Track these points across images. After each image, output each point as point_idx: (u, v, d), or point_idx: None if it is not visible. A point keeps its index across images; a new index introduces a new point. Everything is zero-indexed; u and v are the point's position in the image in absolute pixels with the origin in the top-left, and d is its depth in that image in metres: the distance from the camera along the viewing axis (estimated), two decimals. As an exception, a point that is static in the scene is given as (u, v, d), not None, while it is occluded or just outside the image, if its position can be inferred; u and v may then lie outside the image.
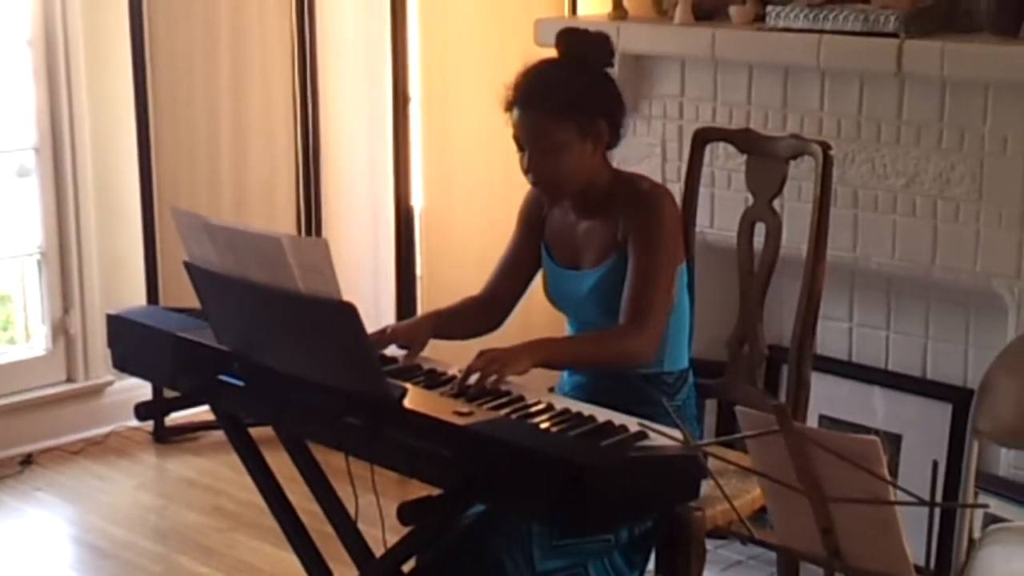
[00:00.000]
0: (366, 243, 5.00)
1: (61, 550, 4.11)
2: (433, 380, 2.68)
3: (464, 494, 2.38)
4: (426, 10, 4.46)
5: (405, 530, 2.49)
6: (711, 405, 3.87)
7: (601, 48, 2.87)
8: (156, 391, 4.33)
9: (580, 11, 4.54)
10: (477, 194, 4.55)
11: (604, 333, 2.84)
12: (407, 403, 2.48)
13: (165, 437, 4.78)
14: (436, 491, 2.38)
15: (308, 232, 4.93)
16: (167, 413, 4.49)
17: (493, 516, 2.60)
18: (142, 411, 2.98)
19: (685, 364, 2.95)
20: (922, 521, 1.99)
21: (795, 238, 3.21)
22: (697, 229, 3.33)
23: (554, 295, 2.99)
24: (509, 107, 2.83)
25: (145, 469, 4.62)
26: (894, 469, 3.75)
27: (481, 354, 2.66)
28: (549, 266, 2.99)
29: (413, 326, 2.97)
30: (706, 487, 2.39)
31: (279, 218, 4.84)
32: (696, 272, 3.08)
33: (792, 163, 3.08)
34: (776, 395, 3.59)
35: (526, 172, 2.83)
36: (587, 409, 2.51)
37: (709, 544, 2.76)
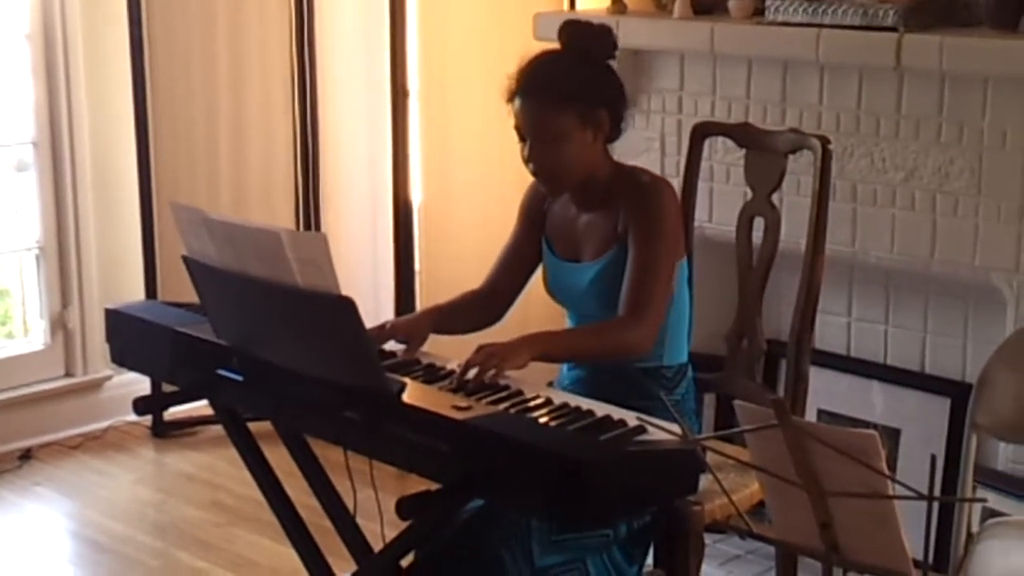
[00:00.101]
0: (365, 238, 4.99)
1: (60, 545, 4.11)
2: (432, 375, 2.68)
3: (463, 489, 2.38)
4: (425, 5, 4.46)
5: (404, 525, 2.49)
6: (710, 399, 3.87)
7: (603, 40, 2.88)
8: (155, 386, 4.34)
9: (579, 5, 4.53)
10: (476, 189, 4.55)
11: (602, 325, 2.84)
12: (406, 398, 2.48)
13: (164, 432, 4.79)
14: (435, 486, 2.38)
15: (307, 227, 4.92)
16: (166, 408, 4.51)
17: (492, 511, 2.60)
18: (141, 406, 2.98)
19: (684, 358, 2.95)
20: (920, 515, 1.99)
21: (794, 232, 3.21)
22: (696, 223, 3.33)
23: (554, 288, 2.99)
24: (511, 97, 2.83)
25: (144, 464, 4.62)
26: (892, 463, 3.76)
27: (480, 348, 2.66)
28: (549, 259, 2.99)
29: (413, 321, 2.97)
30: (704, 481, 2.39)
31: (278, 212, 4.84)
32: (695, 266, 3.08)
33: (791, 157, 3.08)
34: (775, 389, 3.59)
35: (527, 162, 2.83)
36: (586, 403, 2.51)
37: (708, 538, 2.76)
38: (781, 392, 3.27)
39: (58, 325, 4.83)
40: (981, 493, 3.26)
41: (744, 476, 2.73)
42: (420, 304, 4.52)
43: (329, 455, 2.77)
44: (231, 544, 4.00)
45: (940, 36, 3.44)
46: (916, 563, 2.03)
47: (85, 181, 4.78)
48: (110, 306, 3.08)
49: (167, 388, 2.95)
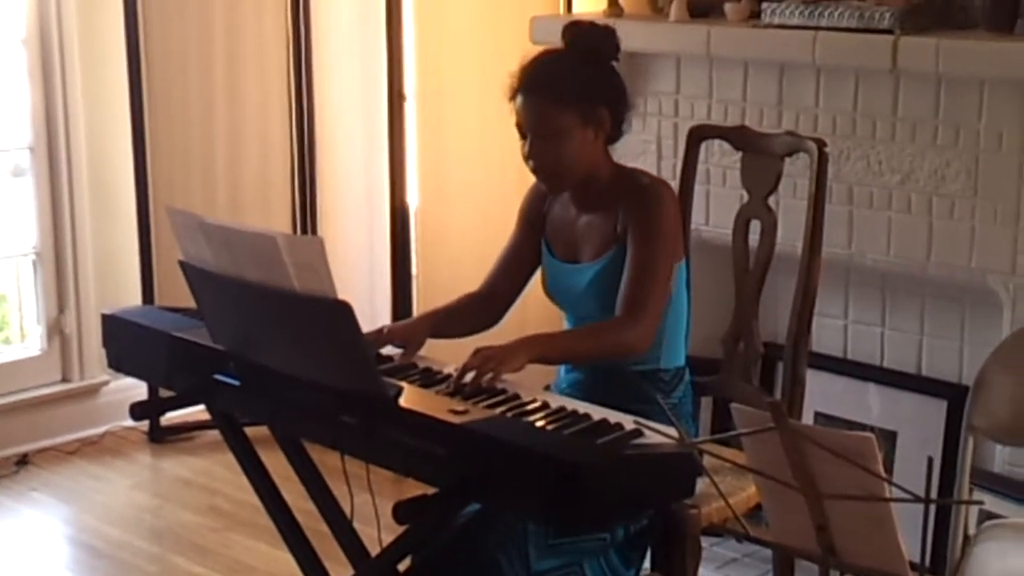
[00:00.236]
0: (361, 241, 5.00)
1: (57, 550, 4.11)
2: (429, 378, 2.68)
3: (460, 493, 2.38)
4: (421, 8, 4.46)
5: (400, 529, 2.49)
6: (706, 403, 3.86)
7: (607, 40, 2.89)
8: (151, 391, 4.33)
9: (575, 8, 4.54)
10: (472, 192, 4.55)
11: (599, 325, 2.84)
12: (403, 402, 2.48)
13: (160, 437, 4.78)
14: (432, 490, 2.38)
15: (303, 231, 4.92)
16: (162, 413, 4.50)
17: (488, 515, 2.60)
18: (137, 411, 2.98)
19: (682, 362, 2.95)
20: (917, 518, 1.99)
21: (790, 235, 3.21)
22: (692, 226, 3.33)
23: (552, 290, 2.99)
24: (513, 95, 2.83)
25: (140, 469, 4.62)
26: (889, 466, 3.76)
27: (476, 352, 2.66)
28: (548, 261, 2.99)
29: (410, 326, 2.97)
30: (701, 485, 2.39)
31: (274, 217, 4.84)
32: (691, 269, 3.08)
33: (787, 160, 3.08)
34: (771, 392, 3.59)
35: (527, 159, 2.83)
36: (582, 407, 2.51)
37: (705, 542, 2.76)
38: (778, 395, 3.26)
39: (55, 330, 4.83)
40: (978, 495, 3.26)
41: (741, 479, 2.73)
42: (417, 308, 4.52)
43: (326, 459, 2.77)
44: (228, 549, 4.00)
45: (936, 39, 3.44)
46: (913, 565, 2.03)
47: (81, 186, 4.77)
48: (107, 311, 3.08)
49: (164, 393, 2.95)
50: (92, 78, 4.74)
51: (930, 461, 1.98)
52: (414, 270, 4.61)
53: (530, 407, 2.51)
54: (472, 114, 4.47)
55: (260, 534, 3.91)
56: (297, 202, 4.94)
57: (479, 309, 3.03)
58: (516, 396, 2.56)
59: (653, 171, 3.99)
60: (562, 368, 3.01)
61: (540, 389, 2.71)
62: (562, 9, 4.52)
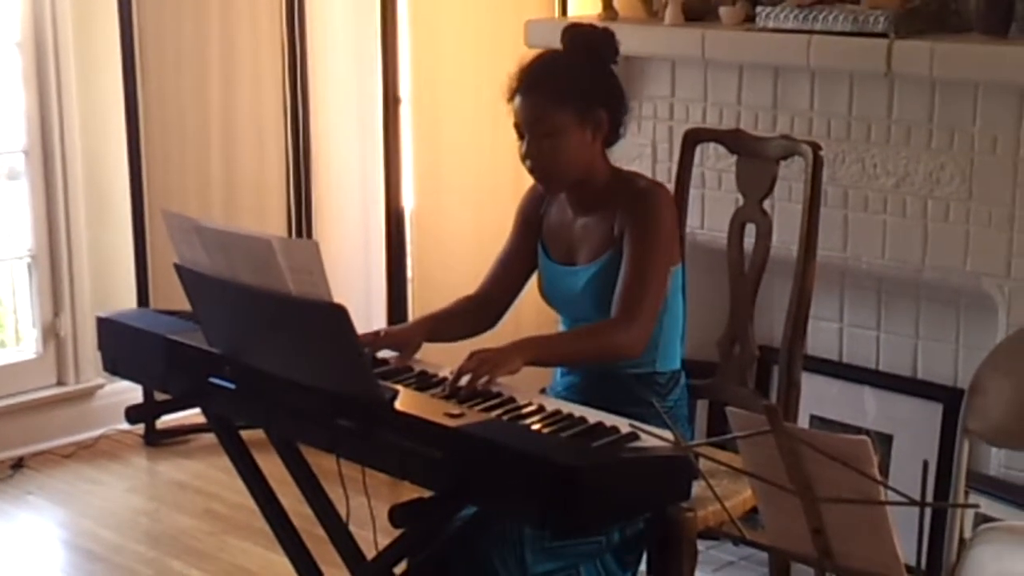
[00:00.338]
0: (357, 245, 5.00)
1: (52, 554, 4.10)
2: (424, 382, 2.68)
3: (455, 496, 2.38)
4: (416, 11, 4.46)
5: (396, 532, 2.49)
6: (702, 406, 3.87)
7: (606, 43, 2.89)
8: (147, 394, 4.33)
9: (570, 12, 4.54)
10: (468, 195, 4.55)
11: (594, 327, 2.84)
12: (398, 405, 2.48)
13: (156, 440, 4.78)
14: (427, 493, 2.38)
15: (299, 234, 4.93)
16: (158, 416, 4.49)
17: (484, 518, 2.60)
18: (133, 414, 2.99)
19: (677, 365, 2.95)
20: (913, 521, 1.99)
21: (785, 238, 3.21)
22: (687, 230, 3.32)
23: (549, 293, 2.99)
24: (511, 96, 2.84)
25: (136, 472, 4.62)
26: (885, 469, 3.76)
27: (472, 355, 2.66)
28: (545, 263, 2.99)
29: (406, 331, 2.97)
30: (697, 488, 2.39)
31: (270, 220, 4.84)
32: (687, 273, 3.08)
33: (782, 163, 3.08)
34: (767, 395, 3.59)
35: (524, 159, 2.84)
36: (578, 410, 2.51)
37: (700, 545, 2.76)
38: (773, 398, 3.27)
39: (50, 333, 4.82)
40: (973, 498, 3.26)
41: (737, 482, 2.73)
42: (412, 310, 4.52)
43: (322, 463, 2.77)
44: (224, 552, 3.99)
45: (931, 42, 3.45)
46: (909, 569, 2.03)
47: (77, 189, 4.77)
48: (102, 314, 3.08)
49: (159, 396, 2.95)
50: (87, 82, 4.74)
51: (925, 464, 1.99)
52: (409, 273, 4.61)
53: (526, 410, 2.51)
54: (467, 117, 4.47)
55: (256, 537, 3.91)
56: (292, 205, 4.94)
57: (475, 312, 3.03)
58: (512, 399, 2.56)
59: (648, 175, 4.01)
60: (558, 371, 3.01)
61: (536, 392, 2.72)
62: (557, 12, 4.53)
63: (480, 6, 4.51)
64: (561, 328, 3.02)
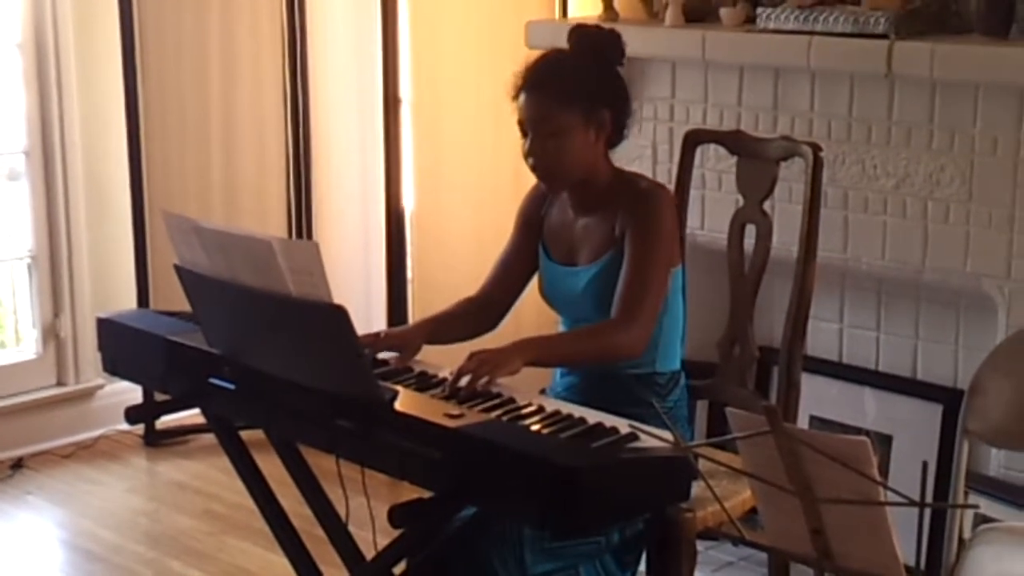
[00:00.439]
0: (357, 246, 5.00)
1: (52, 554, 4.10)
2: (424, 382, 2.68)
3: (455, 496, 2.38)
4: (417, 12, 4.46)
5: (396, 533, 2.49)
6: (702, 406, 3.88)
7: (612, 44, 2.90)
8: (147, 395, 4.33)
9: (571, 13, 4.54)
10: (468, 196, 4.55)
11: (594, 328, 2.84)
12: (398, 405, 2.48)
13: (155, 441, 4.78)
14: (427, 493, 2.38)
15: (299, 235, 4.93)
16: (158, 417, 4.49)
17: (484, 519, 2.60)
18: (132, 415, 2.99)
19: (677, 366, 2.95)
20: (912, 521, 1.99)
21: (785, 239, 3.21)
22: (688, 231, 3.33)
23: (549, 293, 2.99)
24: (516, 94, 2.84)
25: (136, 473, 4.62)
26: (884, 470, 3.76)
27: (472, 356, 2.66)
28: (546, 264, 2.99)
29: (406, 332, 2.97)
30: (696, 488, 2.39)
31: (270, 221, 4.84)
32: (687, 273, 3.08)
33: (783, 164, 3.08)
34: (767, 396, 3.59)
35: (527, 157, 2.84)
36: (578, 411, 2.51)
37: (700, 545, 2.76)
38: (773, 399, 3.27)
39: (50, 334, 4.82)
40: (973, 499, 3.26)
41: (736, 483, 2.73)
42: (412, 311, 4.53)
43: (321, 463, 2.77)
44: (223, 553, 3.99)
45: (931, 44, 3.45)
46: (908, 569, 2.03)
47: (77, 190, 4.77)
48: (102, 315, 3.08)
49: (159, 397, 2.95)
50: (88, 82, 4.74)
51: (925, 465, 1.99)
52: (410, 274, 4.61)
53: (525, 411, 2.51)
54: (468, 118, 4.47)
55: (255, 538, 3.91)
56: (293, 206, 4.94)
57: (476, 314, 3.03)
58: (511, 400, 2.56)
59: (648, 176, 4.01)
60: (557, 372, 3.01)
61: (535, 393, 2.72)
62: (557, 14, 4.53)
63: (480, 7, 4.51)
64: (561, 329, 3.02)
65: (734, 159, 3.18)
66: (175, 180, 4.66)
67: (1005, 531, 2.84)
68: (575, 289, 2.90)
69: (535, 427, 2.44)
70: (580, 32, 2.90)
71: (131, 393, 4.40)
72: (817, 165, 2.99)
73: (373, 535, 2.70)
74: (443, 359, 2.83)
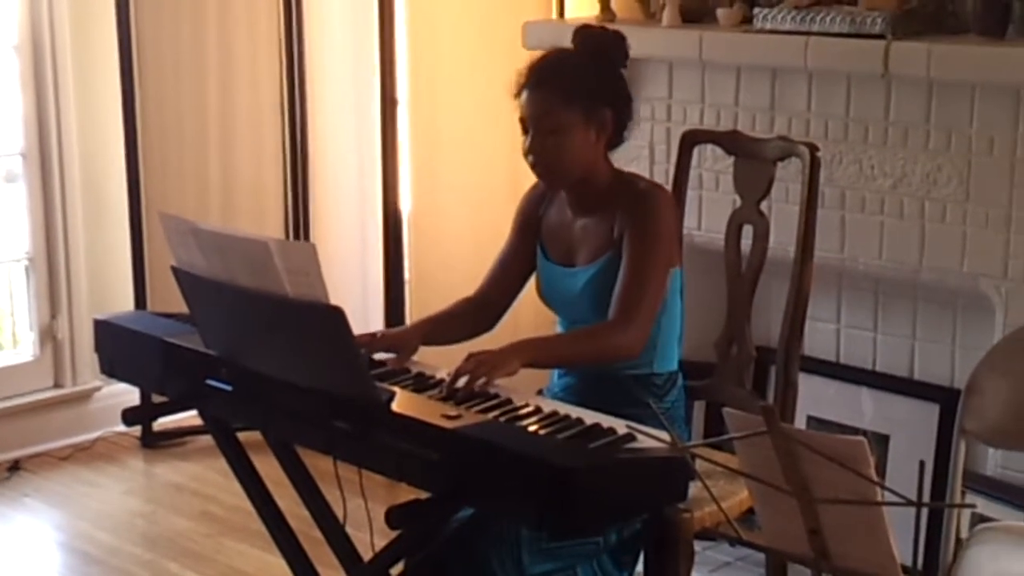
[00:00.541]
0: (354, 247, 4.99)
1: (49, 556, 4.10)
2: (421, 383, 2.68)
3: (452, 497, 2.38)
4: (414, 13, 4.46)
5: (393, 534, 2.49)
6: (699, 407, 3.87)
7: (616, 46, 2.91)
8: (144, 396, 4.33)
9: (568, 14, 4.54)
10: (465, 197, 4.55)
11: (591, 329, 2.84)
12: (395, 406, 2.48)
13: (153, 442, 4.78)
14: (425, 495, 2.38)
15: (296, 236, 4.92)
16: (155, 418, 4.50)
17: (482, 519, 2.60)
18: (130, 416, 2.98)
19: (675, 366, 2.95)
20: (909, 521, 1.99)
21: (783, 240, 3.21)
22: (685, 231, 3.33)
23: (547, 294, 2.99)
24: (519, 91, 2.84)
25: (133, 474, 4.61)
26: (882, 469, 3.76)
27: (469, 357, 2.66)
28: (544, 264, 2.99)
29: (404, 332, 2.97)
30: (694, 489, 2.39)
31: (267, 222, 4.84)
32: (684, 274, 3.08)
33: (780, 164, 3.09)
34: (764, 396, 3.59)
35: (527, 154, 2.84)
36: (575, 411, 2.51)
37: (697, 546, 2.75)
38: (770, 399, 3.27)
39: (47, 336, 4.82)
40: (970, 499, 3.26)
41: (733, 483, 2.73)
42: (410, 312, 4.53)
43: (318, 464, 2.77)
44: (220, 555, 3.99)
45: (928, 44, 3.45)
46: (905, 569, 2.03)
47: (74, 192, 4.77)
48: (99, 317, 3.08)
49: (156, 399, 2.95)
50: (85, 84, 4.74)
51: (922, 465, 1.99)
52: (407, 275, 4.61)
53: (523, 411, 2.51)
54: (465, 119, 4.47)
55: (253, 539, 3.90)
56: (290, 207, 4.94)
57: (474, 314, 3.03)
58: (509, 401, 2.56)
59: (646, 176, 4.01)
60: (555, 372, 3.01)
61: (533, 393, 2.72)
62: (554, 14, 4.53)
63: (477, 8, 4.51)
64: (559, 329, 3.02)
65: (731, 159, 3.18)
66: (172, 181, 4.66)
67: (1002, 531, 2.84)
68: (573, 290, 2.90)
69: (533, 428, 2.43)
70: (585, 32, 2.91)
71: (128, 395, 4.39)
72: (814, 165, 2.99)
73: (371, 536, 2.70)
74: (441, 360, 2.83)
